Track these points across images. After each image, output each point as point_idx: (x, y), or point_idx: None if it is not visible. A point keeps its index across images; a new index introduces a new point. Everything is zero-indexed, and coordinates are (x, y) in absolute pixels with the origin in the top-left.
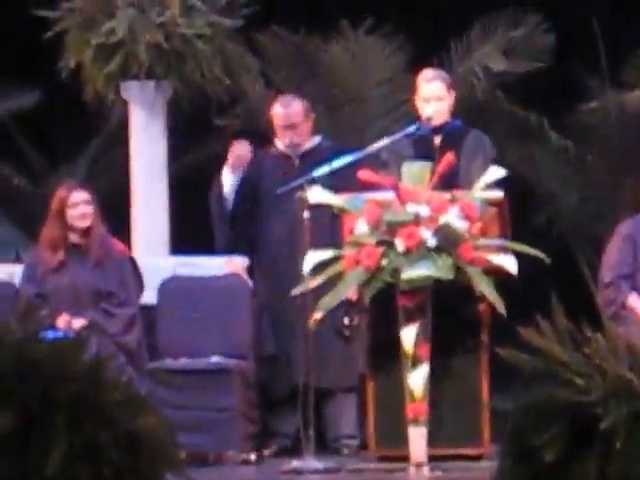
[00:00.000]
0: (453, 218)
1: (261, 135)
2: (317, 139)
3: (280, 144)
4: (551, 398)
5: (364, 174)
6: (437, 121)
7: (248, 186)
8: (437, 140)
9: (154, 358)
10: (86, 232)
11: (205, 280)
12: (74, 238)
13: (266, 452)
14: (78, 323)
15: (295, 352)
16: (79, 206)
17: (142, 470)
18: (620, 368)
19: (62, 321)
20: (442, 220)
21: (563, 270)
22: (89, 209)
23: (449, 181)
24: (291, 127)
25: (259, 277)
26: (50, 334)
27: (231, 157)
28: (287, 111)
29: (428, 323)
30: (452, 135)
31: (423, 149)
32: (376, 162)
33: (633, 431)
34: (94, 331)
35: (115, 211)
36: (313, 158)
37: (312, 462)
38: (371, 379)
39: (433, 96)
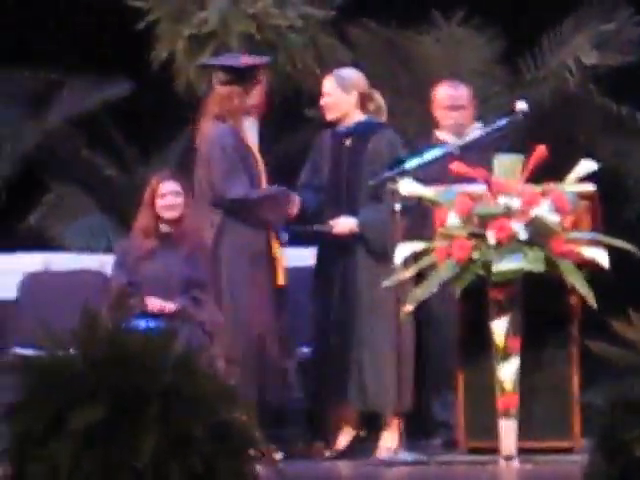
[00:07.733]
0: (545, 211)
1: None
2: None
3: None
4: None
5: (456, 166)
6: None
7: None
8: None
9: None
10: (177, 222)
11: (294, 270)
12: (165, 228)
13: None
14: (169, 307)
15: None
16: (167, 197)
17: (233, 462)
18: None
19: (153, 304)
20: (533, 213)
21: None
22: (178, 200)
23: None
24: (457, 108)
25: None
26: (141, 323)
27: None
28: (456, 92)
29: (519, 316)
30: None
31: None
32: (469, 154)
33: None
34: (183, 318)
35: None
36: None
37: (401, 454)
38: (461, 372)
39: None
